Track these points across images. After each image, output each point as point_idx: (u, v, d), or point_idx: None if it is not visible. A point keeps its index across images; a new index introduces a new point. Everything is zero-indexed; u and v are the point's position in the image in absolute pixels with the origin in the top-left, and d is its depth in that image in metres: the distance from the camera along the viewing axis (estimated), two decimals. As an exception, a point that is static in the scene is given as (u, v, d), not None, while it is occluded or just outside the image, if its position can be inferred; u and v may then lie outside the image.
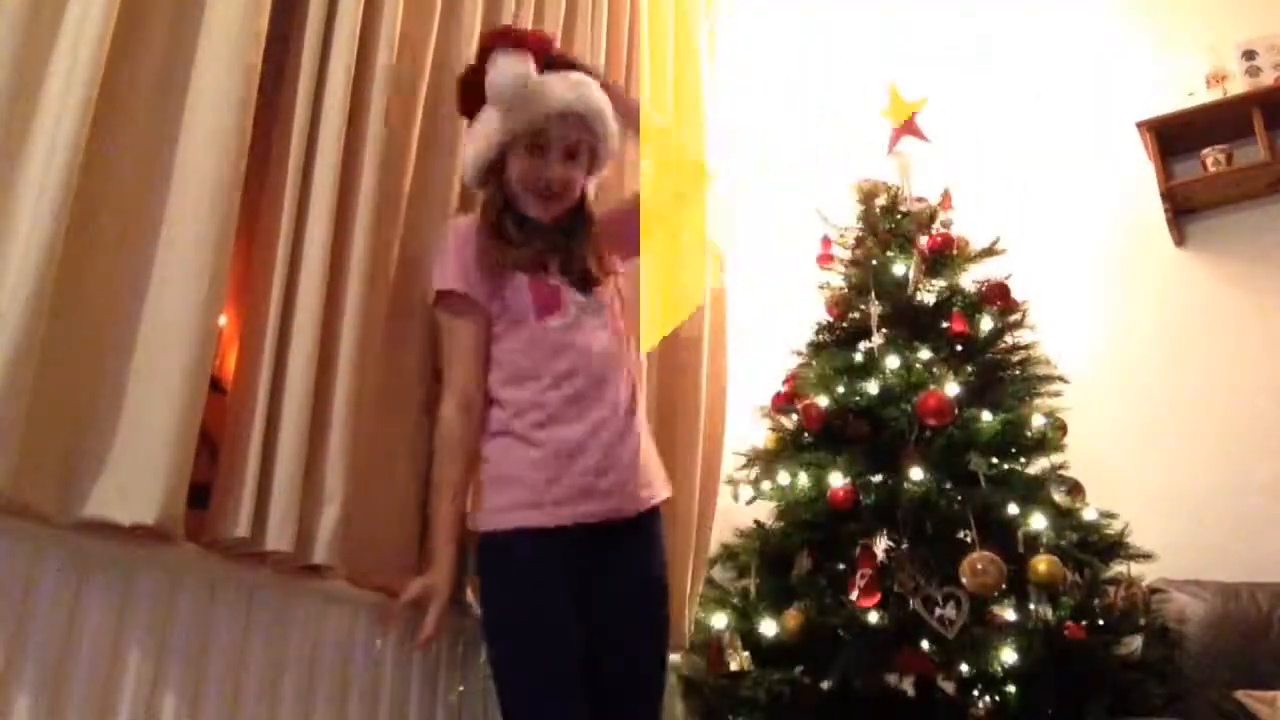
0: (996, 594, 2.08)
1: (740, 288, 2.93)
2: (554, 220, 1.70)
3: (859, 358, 2.54)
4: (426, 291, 1.67)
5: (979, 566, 2.05)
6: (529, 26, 2.16)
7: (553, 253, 1.67)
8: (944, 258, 2.62)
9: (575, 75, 1.68)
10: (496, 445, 1.59)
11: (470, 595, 1.69)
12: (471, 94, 1.68)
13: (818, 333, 2.72)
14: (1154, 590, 2.29)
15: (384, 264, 1.67)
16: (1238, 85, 2.93)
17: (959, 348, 2.49)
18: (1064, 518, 2.21)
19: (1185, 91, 3.00)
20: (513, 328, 1.62)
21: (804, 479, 2.37)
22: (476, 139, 1.67)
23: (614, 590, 1.58)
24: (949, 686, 2.17)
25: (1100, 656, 2.03)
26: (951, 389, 2.33)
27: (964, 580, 2.06)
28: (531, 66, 1.61)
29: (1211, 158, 2.91)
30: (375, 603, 1.59)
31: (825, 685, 2.20)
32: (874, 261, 2.65)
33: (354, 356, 1.52)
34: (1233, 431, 2.75)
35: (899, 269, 2.61)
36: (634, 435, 1.64)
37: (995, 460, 2.29)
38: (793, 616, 2.21)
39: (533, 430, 1.56)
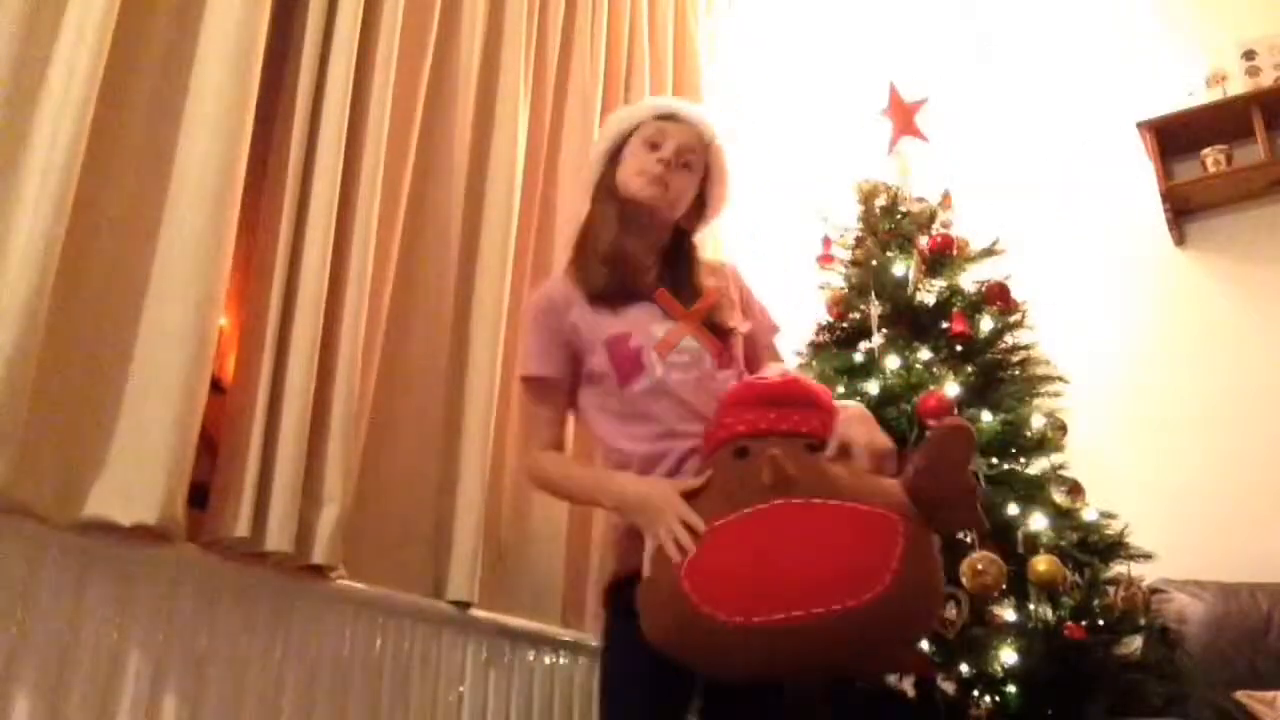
0: (996, 594, 2.08)
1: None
2: None
3: (859, 358, 2.53)
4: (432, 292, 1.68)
5: (979, 566, 2.04)
6: (532, 27, 2.16)
7: None
8: (944, 258, 2.62)
9: None
10: None
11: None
12: None
13: (818, 333, 2.71)
14: (1154, 590, 2.29)
15: (384, 264, 1.67)
16: (1238, 85, 2.93)
17: (959, 348, 2.48)
18: (1064, 518, 2.20)
19: (1185, 91, 3.00)
20: None
21: (804, 479, 2.37)
22: None
23: None
24: (949, 686, 2.17)
25: (1100, 656, 2.03)
26: (951, 389, 2.32)
27: (964, 580, 2.06)
28: None
29: (1211, 158, 2.91)
30: (375, 601, 1.59)
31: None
32: (874, 262, 2.64)
33: (353, 357, 1.52)
34: (1233, 431, 2.75)
35: (899, 269, 2.60)
36: None
37: (995, 460, 2.29)
38: (792, 616, 2.20)
39: None
